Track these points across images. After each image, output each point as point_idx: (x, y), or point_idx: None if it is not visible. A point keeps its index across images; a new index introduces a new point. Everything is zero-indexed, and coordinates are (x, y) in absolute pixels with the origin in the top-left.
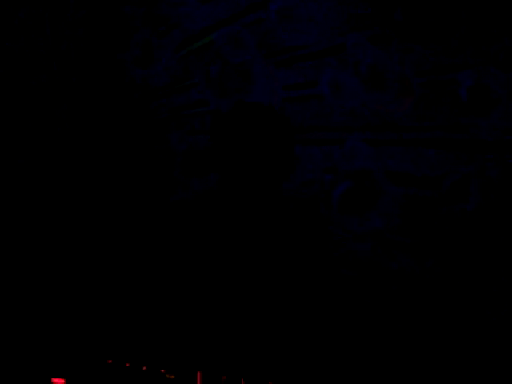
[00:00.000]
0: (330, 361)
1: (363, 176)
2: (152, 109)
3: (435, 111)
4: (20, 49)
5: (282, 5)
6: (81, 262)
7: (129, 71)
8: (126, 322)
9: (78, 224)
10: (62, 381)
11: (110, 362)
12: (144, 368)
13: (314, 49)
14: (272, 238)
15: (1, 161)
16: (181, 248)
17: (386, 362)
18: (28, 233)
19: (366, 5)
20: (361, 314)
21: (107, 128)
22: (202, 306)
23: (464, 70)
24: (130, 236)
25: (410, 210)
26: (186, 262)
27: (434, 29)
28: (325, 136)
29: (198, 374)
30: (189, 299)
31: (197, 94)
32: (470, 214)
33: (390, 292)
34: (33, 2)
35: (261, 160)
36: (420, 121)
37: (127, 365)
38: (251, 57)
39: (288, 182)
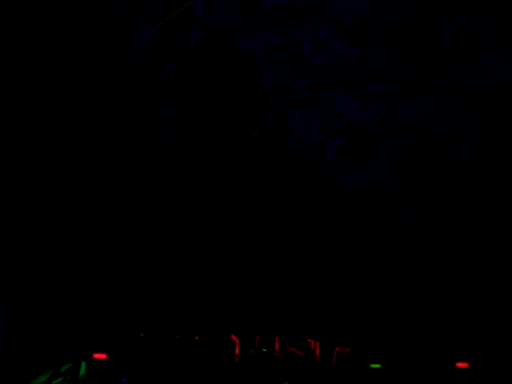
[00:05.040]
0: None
1: (356, 131)
2: (136, 82)
3: (420, 60)
4: None
5: None
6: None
7: (111, 46)
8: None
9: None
10: (104, 355)
11: (142, 334)
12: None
13: (294, 7)
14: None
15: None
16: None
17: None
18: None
19: None
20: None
21: (90, 101)
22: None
23: (445, 18)
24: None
25: (404, 159)
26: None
27: None
28: (314, 95)
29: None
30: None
31: None
32: (466, 157)
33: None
34: None
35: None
36: (406, 71)
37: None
38: (232, 20)
39: (280, 145)
